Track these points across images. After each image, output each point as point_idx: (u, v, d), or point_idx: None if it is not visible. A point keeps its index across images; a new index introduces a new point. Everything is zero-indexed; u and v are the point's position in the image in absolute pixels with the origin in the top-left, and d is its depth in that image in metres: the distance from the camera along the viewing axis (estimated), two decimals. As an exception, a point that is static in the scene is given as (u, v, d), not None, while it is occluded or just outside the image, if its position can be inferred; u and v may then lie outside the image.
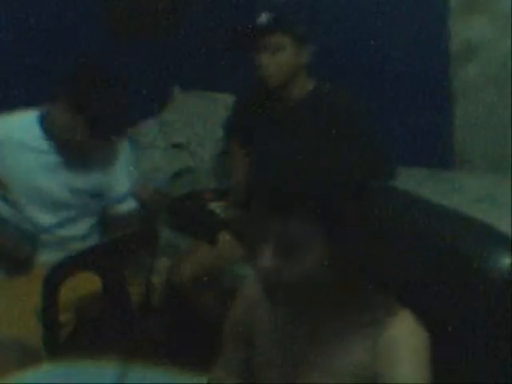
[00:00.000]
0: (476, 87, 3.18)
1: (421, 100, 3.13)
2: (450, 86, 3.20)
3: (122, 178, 2.35)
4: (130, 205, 2.34)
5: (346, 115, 2.41)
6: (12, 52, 2.71)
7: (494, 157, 3.20)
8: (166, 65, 3.31)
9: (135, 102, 3.14)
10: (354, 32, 3.15)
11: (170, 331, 2.45)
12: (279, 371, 1.23)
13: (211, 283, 2.44)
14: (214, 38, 3.25)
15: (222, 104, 3.23)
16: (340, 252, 1.10)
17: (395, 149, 3.11)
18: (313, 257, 1.08)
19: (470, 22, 3.13)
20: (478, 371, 1.15)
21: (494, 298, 1.13)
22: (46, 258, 2.23)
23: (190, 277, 2.44)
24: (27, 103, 2.30)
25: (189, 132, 3.31)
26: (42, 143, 2.23)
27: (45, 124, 2.23)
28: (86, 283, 2.10)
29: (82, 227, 2.33)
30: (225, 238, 2.45)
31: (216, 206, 2.64)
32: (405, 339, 1.11)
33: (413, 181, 2.89)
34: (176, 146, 3.31)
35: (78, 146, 2.19)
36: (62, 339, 2.07)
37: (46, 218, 2.27)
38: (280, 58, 2.44)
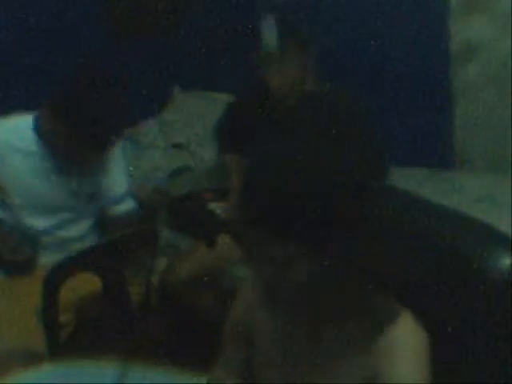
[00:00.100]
0: (476, 87, 3.18)
1: (421, 100, 3.13)
2: (450, 86, 3.20)
3: (119, 179, 2.35)
4: (128, 205, 2.34)
5: (345, 115, 2.41)
6: (12, 52, 2.72)
7: (493, 157, 3.20)
8: (165, 65, 3.31)
9: (135, 102, 3.15)
10: (354, 32, 3.15)
11: (169, 331, 2.45)
12: (279, 371, 1.23)
13: (210, 283, 2.44)
14: (213, 38, 3.26)
15: (221, 104, 3.23)
16: (340, 252, 1.10)
17: (395, 149, 3.12)
18: (304, 267, 1.08)
19: (470, 21, 3.13)
20: (478, 371, 1.15)
21: (494, 298, 1.13)
22: (46, 259, 2.23)
23: (186, 277, 2.44)
24: (27, 103, 2.30)
25: (189, 132, 3.32)
26: (37, 147, 2.23)
27: (37, 128, 2.23)
28: (86, 283, 2.10)
29: (80, 228, 2.33)
30: (224, 239, 2.45)
31: (216, 207, 2.64)
32: (405, 340, 1.11)
33: (413, 181, 2.89)
34: (176, 146, 3.31)
35: (67, 152, 2.19)
36: (62, 339, 2.07)
37: (43, 221, 2.26)
38: (289, 75, 2.44)
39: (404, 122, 3.15)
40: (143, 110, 3.28)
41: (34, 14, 2.74)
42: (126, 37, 3.24)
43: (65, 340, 2.09)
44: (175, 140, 3.31)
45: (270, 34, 2.40)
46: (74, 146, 2.14)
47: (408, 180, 2.84)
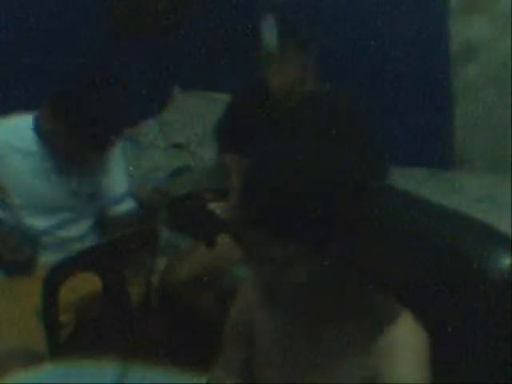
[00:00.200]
0: (476, 87, 3.18)
1: (421, 100, 3.13)
2: (450, 86, 3.20)
3: (119, 179, 2.34)
4: (128, 205, 2.34)
5: (345, 115, 2.41)
6: (12, 52, 2.72)
7: (494, 157, 3.20)
8: (166, 65, 3.31)
9: (135, 102, 3.15)
10: (354, 32, 3.15)
11: (169, 331, 2.45)
12: (279, 371, 1.23)
13: (210, 283, 2.44)
14: (213, 37, 3.26)
15: (221, 104, 3.23)
16: (340, 252, 1.10)
17: (395, 149, 3.12)
18: (304, 267, 1.08)
19: (470, 21, 3.14)
20: (478, 371, 1.15)
21: (494, 298, 1.13)
22: (46, 259, 2.23)
23: (186, 277, 2.44)
24: (27, 103, 2.30)
25: (189, 132, 3.32)
26: (37, 147, 2.23)
27: (37, 128, 2.23)
28: (86, 283, 2.10)
29: (80, 228, 2.33)
30: (224, 239, 2.45)
31: (216, 207, 2.64)
32: (405, 340, 1.11)
33: (413, 181, 2.89)
34: (176, 146, 3.31)
35: (67, 152, 2.19)
36: (62, 339, 2.07)
37: (43, 221, 2.27)
38: (289, 75, 2.44)
39: (404, 122, 3.15)
40: (143, 109, 3.28)
41: (34, 14, 2.74)
42: (125, 37, 3.25)
43: (65, 340, 2.09)
44: (175, 140, 3.31)
45: (269, 34, 2.40)
46: (73, 145, 2.14)
47: (408, 180, 2.85)
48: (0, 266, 2.26)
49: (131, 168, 2.53)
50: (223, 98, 3.27)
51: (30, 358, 1.87)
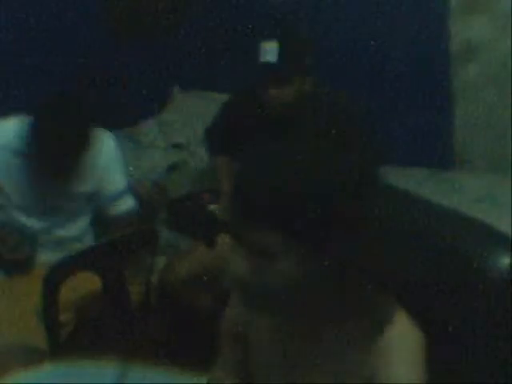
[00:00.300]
0: (476, 87, 3.18)
1: (421, 100, 3.13)
2: (450, 86, 3.20)
3: (118, 178, 2.34)
4: (128, 204, 2.34)
5: (345, 115, 2.41)
6: (12, 52, 2.72)
7: (493, 157, 3.20)
8: (166, 65, 3.31)
9: (135, 102, 3.15)
10: (354, 32, 3.15)
11: (169, 331, 2.45)
12: (278, 371, 1.23)
13: (210, 283, 2.44)
14: (214, 38, 3.26)
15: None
16: (340, 252, 1.10)
17: (395, 149, 3.12)
18: (287, 265, 1.08)
19: (470, 21, 3.14)
20: (478, 371, 1.15)
21: (494, 298, 1.13)
22: (44, 258, 2.23)
23: (185, 276, 2.44)
24: (27, 103, 2.30)
25: (189, 132, 3.32)
26: (30, 148, 2.23)
27: (28, 130, 2.23)
28: (86, 283, 2.10)
29: (78, 227, 2.34)
30: (224, 239, 2.45)
31: (216, 208, 2.64)
32: (400, 339, 1.11)
33: (413, 181, 2.89)
34: (176, 146, 3.31)
35: (56, 153, 2.19)
36: (62, 339, 2.07)
37: (40, 220, 2.27)
38: (287, 92, 2.42)
39: (404, 122, 3.15)
40: (143, 109, 3.28)
41: (34, 14, 2.74)
42: (125, 37, 3.25)
43: (65, 339, 2.09)
44: (175, 140, 3.31)
45: (269, 46, 2.38)
46: (61, 147, 2.13)
47: (408, 180, 2.85)
48: (0, 266, 2.26)
49: (131, 168, 2.53)
50: (223, 98, 3.26)
51: (30, 358, 1.87)
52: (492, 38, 3.12)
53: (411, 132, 3.14)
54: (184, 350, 2.17)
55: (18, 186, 2.25)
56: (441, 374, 1.10)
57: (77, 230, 2.34)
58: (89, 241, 2.37)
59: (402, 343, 1.11)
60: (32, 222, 2.27)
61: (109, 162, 2.33)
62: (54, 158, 2.18)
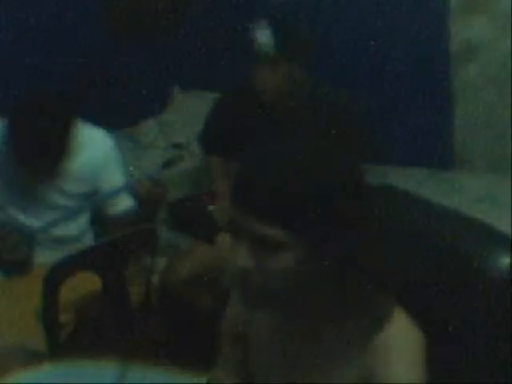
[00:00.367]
0: (476, 87, 3.18)
1: (421, 100, 3.13)
2: (450, 86, 3.20)
3: (115, 178, 2.33)
4: (126, 203, 2.33)
5: (344, 115, 2.41)
6: (12, 52, 2.72)
7: (493, 157, 3.20)
8: (166, 65, 3.31)
9: (135, 102, 3.15)
10: (354, 32, 3.15)
11: (169, 331, 2.45)
12: (278, 371, 1.23)
13: (210, 283, 2.44)
14: (214, 37, 3.26)
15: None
16: (340, 252, 1.10)
17: (395, 149, 3.12)
18: (287, 258, 1.07)
19: (470, 21, 3.13)
20: (478, 371, 1.15)
21: (494, 298, 1.13)
22: (43, 258, 2.23)
23: (186, 276, 2.44)
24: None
25: (189, 132, 3.32)
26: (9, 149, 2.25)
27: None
28: (86, 283, 2.10)
29: (77, 227, 2.34)
30: (224, 238, 2.45)
31: (214, 208, 2.64)
32: (399, 338, 1.11)
33: (413, 181, 2.89)
34: (176, 146, 3.31)
35: (30, 156, 2.20)
36: (62, 339, 2.07)
37: (38, 220, 2.27)
38: (280, 74, 2.43)
39: (404, 122, 3.15)
40: (143, 109, 3.28)
41: (34, 13, 2.74)
42: (125, 37, 3.25)
43: (65, 340, 2.09)
44: (175, 140, 3.31)
45: (264, 33, 2.39)
46: (34, 147, 2.13)
47: (408, 180, 2.85)
48: (0, 266, 2.27)
49: (131, 168, 2.52)
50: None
51: (30, 358, 1.87)
52: (492, 38, 3.12)
53: (411, 132, 3.14)
54: (184, 349, 2.17)
55: (7, 184, 2.26)
56: (441, 373, 1.10)
57: (76, 230, 2.34)
58: (88, 240, 2.37)
59: (400, 342, 1.11)
60: (30, 221, 2.27)
61: (106, 161, 2.32)
62: (29, 157, 2.18)
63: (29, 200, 2.27)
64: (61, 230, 2.30)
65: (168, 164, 2.35)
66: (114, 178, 2.32)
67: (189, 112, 3.40)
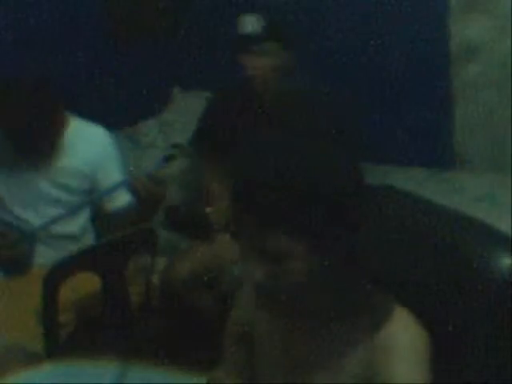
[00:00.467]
0: (476, 87, 3.18)
1: (421, 100, 3.13)
2: (450, 86, 3.20)
3: (113, 175, 2.33)
4: (123, 200, 2.32)
5: (342, 115, 2.41)
6: (12, 52, 2.71)
7: (493, 157, 3.20)
8: (165, 65, 3.31)
9: (135, 102, 3.15)
10: (354, 32, 3.15)
11: (169, 331, 2.45)
12: (279, 371, 1.23)
13: (210, 283, 2.44)
14: (214, 37, 3.26)
15: (221, 104, 3.23)
16: (340, 252, 1.10)
17: (395, 149, 3.12)
18: (299, 265, 1.08)
19: (470, 21, 3.13)
20: (478, 371, 1.15)
21: (494, 298, 1.13)
22: (43, 256, 2.23)
23: (186, 275, 2.44)
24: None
25: (189, 132, 3.31)
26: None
27: None
28: (86, 283, 2.10)
29: (76, 224, 2.33)
30: (224, 238, 2.45)
31: (211, 210, 2.64)
32: (403, 338, 1.11)
33: (413, 181, 2.89)
34: (176, 146, 3.30)
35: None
36: (62, 339, 2.07)
37: (38, 217, 2.27)
38: (267, 62, 2.47)
39: (404, 121, 3.14)
40: (143, 109, 3.28)
41: (34, 14, 2.74)
42: (125, 37, 3.24)
43: (65, 340, 2.09)
44: (175, 140, 3.30)
45: (251, 27, 2.44)
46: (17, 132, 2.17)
47: (408, 180, 2.85)
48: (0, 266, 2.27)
49: (131, 168, 2.52)
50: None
51: (30, 358, 1.87)
52: (492, 38, 3.11)
53: (411, 132, 3.14)
54: (184, 350, 2.17)
55: (7, 179, 2.27)
56: (441, 373, 1.10)
57: (76, 228, 2.33)
58: (89, 240, 2.37)
59: (403, 341, 1.11)
60: (30, 217, 2.27)
61: (105, 158, 2.33)
62: (21, 142, 2.21)
63: (29, 195, 2.27)
64: (61, 228, 2.30)
65: (167, 159, 2.34)
66: (113, 174, 2.32)
67: (189, 112, 3.40)
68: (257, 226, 1.07)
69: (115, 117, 2.83)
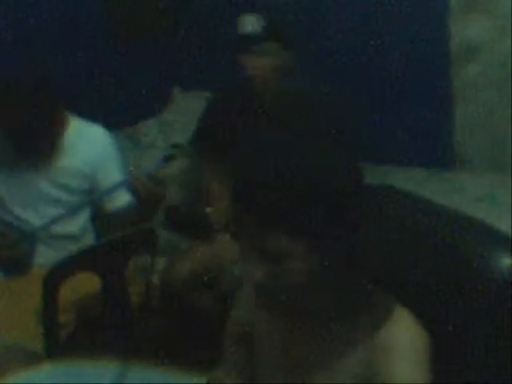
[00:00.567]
0: (476, 87, 3.18)
1: (421, 100, 3.13)
2: (450, 86, 3.20)
3: (112, 175, 2.33)
4: (123, 200, 2.32)
5: (341, 115, 2.42)
6: (12, 52, 2.71)
7: (493, 157, 3.20)
8: (165, 65, 3.31)
9: (135, 102, 3.15)
10: (354, 32, 3.15)
11: (169, 331, 2.45)
12: (279, 371, 1.23)
13: (210, 283, 2.44)
14: (214, 37, 3.26)
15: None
16: (340, 252, 1.10)
17: (395, 149, 3.12)
18: (300, 265, 1.08)
19: (470, 21, 3.13)
20: (478, 371, 1.15)
21: (494, 298, 1.13)
22: (43, 256, 2.23)
23: (186, 275, 2.44)
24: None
25: (189, 132, 3.31)
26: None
27: None
28: (86, 283, 2.10)
29: (76, 224, 2.33)
30: (224, 238, 2.45)
31: (211, 210, 2.64)
32: (403, 338, 1.11)
33: (413, 181, 2.89)
34: (176, 146, 3.30)
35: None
36: (62, 339, 2.07)
37: (38, 217, 2.27)
38: (267, 62, 2.48)
39: (404, 122, 3.14)
40: (143, 109, 3.28)
41: (34, 14, 2.74)
42: (126, 37, 3.25)
43: (65, 340, 2.09)
44: (175, 140, 3.30)
45: (252, 18, 2.45)
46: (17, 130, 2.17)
47: (408, 180, 2.85)
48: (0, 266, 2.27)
49: (131, 168, 2.52)
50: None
51: (30, 358, 1.87)
52: (492, 38, 3.12)
53: (411, 132, 3.14)
54: (184, 350, 2.17)
55: (7, 179, 2.27)
56: (441, 373, 1.10)
57: (76, 228, 2.33)
58: (89, 240, 2.37)
59: (403, 341, 1.11)
60: (30, 217, 2.27)
61: (105, 157, 2.33)
62: (20, 140, 2.22)
63: (29, 195, 2.28)
64: (61, 228, 2.30)
65: (168, 158, 2.34)
66: (113, 174, 2.32)
67: (189, 112, 3.40)
68: (257, 226, 1.07)
69: (115, 117, 2.83)
